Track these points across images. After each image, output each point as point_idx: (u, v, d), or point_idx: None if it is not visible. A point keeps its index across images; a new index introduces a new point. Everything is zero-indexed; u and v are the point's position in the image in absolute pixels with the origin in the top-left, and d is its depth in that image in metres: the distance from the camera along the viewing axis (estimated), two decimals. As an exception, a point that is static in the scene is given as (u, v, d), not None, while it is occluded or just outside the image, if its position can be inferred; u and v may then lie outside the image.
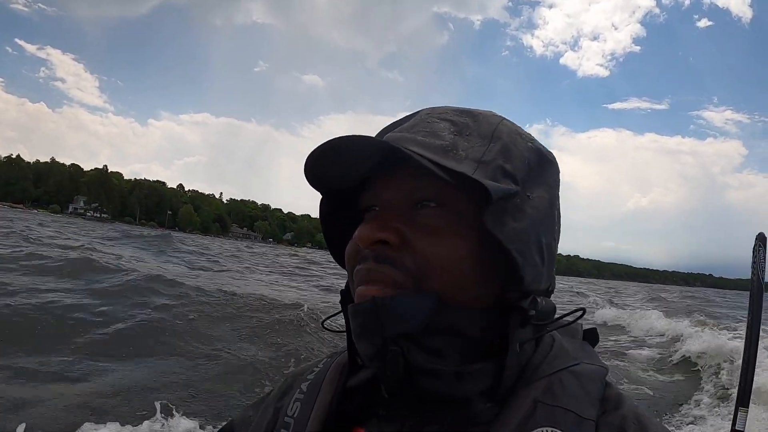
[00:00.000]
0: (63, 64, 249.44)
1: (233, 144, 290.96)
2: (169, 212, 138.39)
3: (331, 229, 0.68)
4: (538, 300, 0.57)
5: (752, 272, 1.52)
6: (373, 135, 0.62)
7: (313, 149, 0.56)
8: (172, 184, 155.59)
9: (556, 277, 0.65)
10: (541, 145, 0.63)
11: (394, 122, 0.66)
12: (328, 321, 0.74)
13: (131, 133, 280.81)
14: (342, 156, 0.57)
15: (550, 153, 0.64)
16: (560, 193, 0.65)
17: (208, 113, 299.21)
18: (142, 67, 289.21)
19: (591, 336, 0.67)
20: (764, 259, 1.52)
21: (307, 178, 0.60)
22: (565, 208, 0.66)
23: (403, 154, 0.53)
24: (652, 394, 7.18)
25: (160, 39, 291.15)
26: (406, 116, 0.65)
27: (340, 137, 0.55)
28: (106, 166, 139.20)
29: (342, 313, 0.64)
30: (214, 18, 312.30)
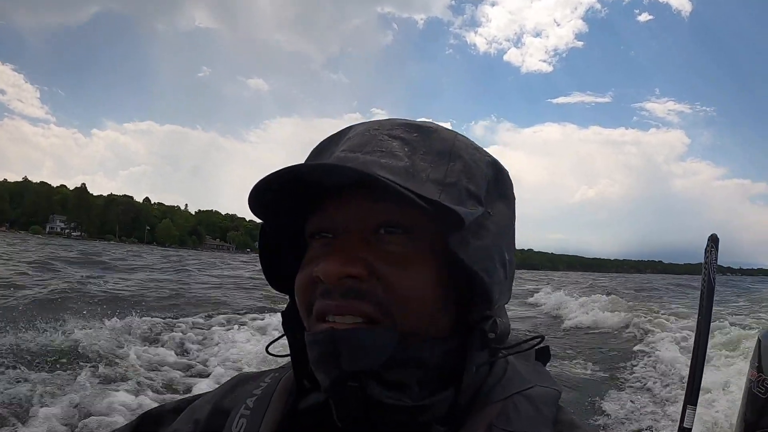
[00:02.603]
0: (2, 74, 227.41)
1: (180, 152, 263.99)
2: (147, 228, 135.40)
3: (266, 252, 0.60)
4: (498, 321, 0.54)
5: (703, 273, 1.45)
6: (315, 143, 0.60)
7: (263, 178, 0.50)
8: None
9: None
10: (494, 158, 0.59)
11: (330, 137, 0.59)
12: (272, 346, 0.67)
13: (74, 143, 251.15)
14: (300, 185, 0.52)
15: (502, 166, 0.60)
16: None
17: (153, 121, 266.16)
18: (84, 75, 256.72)
19: (543, 354, 0.64)
20: (716, 259, 1.46)
21: (252, 209, 0.54)
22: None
23: (380, 183, 0.47)
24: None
25: (101, 47, 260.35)
26: (344, 130, 0.59)
27: (299, 165, 0.50)
28: (84, 184, 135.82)
29: (285, 337, 0.60)
30: (156, 24, 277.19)
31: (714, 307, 1.58)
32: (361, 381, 0.50)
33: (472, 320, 0.53)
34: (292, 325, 0.58)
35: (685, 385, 1.71)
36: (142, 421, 0.69)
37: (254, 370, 0.72)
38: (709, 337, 1.67)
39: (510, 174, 0.61)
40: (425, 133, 0.56)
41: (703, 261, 1.43)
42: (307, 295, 0.53)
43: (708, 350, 1.65)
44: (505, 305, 0.60)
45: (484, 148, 0.60)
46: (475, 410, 0.52)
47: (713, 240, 1.43)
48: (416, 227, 0.51)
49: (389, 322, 0.50)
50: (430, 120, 0.61)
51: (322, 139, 0.60)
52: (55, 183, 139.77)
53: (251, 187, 0.51)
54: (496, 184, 0.57)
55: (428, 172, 0.52)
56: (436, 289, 0.51)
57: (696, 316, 1.60)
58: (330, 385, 0.51)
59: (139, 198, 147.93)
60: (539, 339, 0.60)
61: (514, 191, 0.61)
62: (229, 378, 0.71)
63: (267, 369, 0.69)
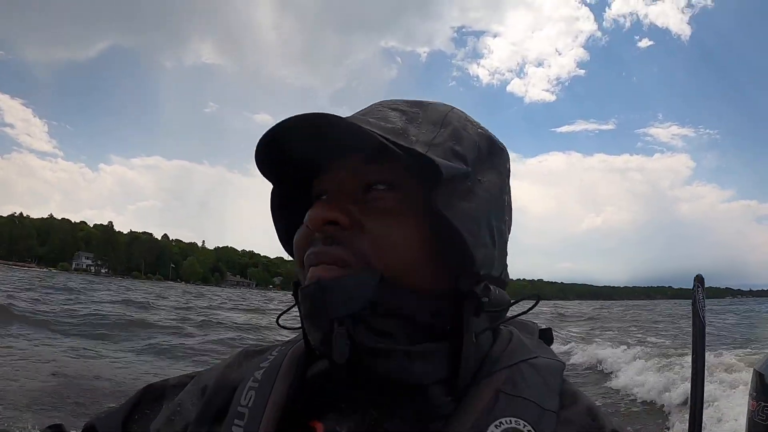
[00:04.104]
0: (11, 109, 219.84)
1: (187, 186, 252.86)
2: (172, 265, 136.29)
3: (282, 221, 0.61)
4: (491, 288, 0.54)
5: (693, 312, 1.46)
6: None
7: (264, 133, 0.52)
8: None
9: (523, 302, 0.59)
10: (491, 133, 0.60)
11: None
12: (283, 318, 0.67)
13: (82, 178, 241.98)
14: (293, 142, 0.53)
15: (501, 142, 0.61)
16: (513, 216, 0.62)
17: (160, 156, 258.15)
18: (92, 110, 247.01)
19: (546, 336, 0.64)
20: (703, 299, 1.47)
21: (258, 165, 0.56)
22: (520, 232, 0.63)
23: (357, 132, 0.49)
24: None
25: (109, 82, 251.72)
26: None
27: (288, 118, 0.50)
28: (111, 222, 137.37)
29: (296, 306, 0.58)
30: (163, 60, 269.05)
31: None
32: (348, 327, 0.49)
33: (464, 285, 0.52)
34: None
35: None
36: (144, 394, 0.67)
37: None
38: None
39: (516, 204, 0.62)
40: (423, 107, 0.58)
41: (691, 301, 1.46)
42: (300, 250, 0.55)
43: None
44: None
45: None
46: (481, 376, 0.52)
47: (699, 281, 1.46)
48: (402, 185, 0.53)
49: (366, 268, 0.50)
50: None
51: None
52: (53, 215, 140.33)
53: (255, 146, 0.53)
54: (490, 155, 0.57)
55: (419, 136, 0.53)
56: (419, 244, 0.51)
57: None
58: (320, 339, 0.50)
59: (158, 235, 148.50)
60: (536, 299, 0.58)
61: (510, 179, 0.61)
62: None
63: (271, 344, 0.68)
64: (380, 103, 0.59)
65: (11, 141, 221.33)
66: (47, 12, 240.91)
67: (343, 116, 0.54)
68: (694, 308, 1.43)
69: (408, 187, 0.53)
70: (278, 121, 0.51)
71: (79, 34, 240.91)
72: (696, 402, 1.57)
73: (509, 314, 0.58)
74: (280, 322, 0.67)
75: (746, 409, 1.95)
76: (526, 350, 0.56)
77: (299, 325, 0.57)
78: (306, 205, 0.57)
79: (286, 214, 0.61)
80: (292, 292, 0.58)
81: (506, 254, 0.59)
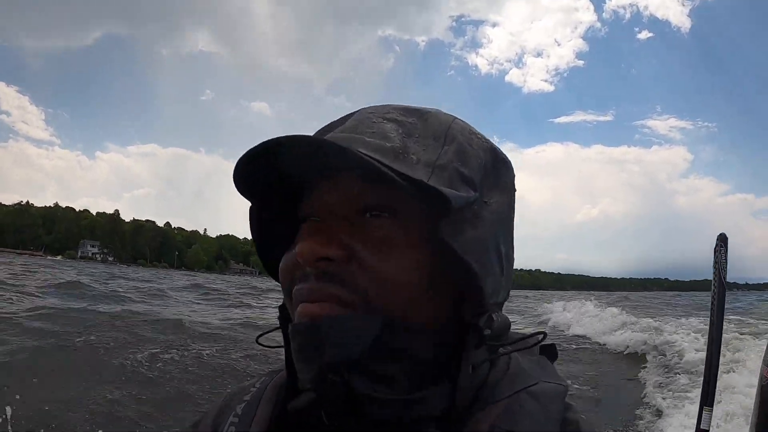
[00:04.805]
0: (7, 96, 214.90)
1: (183, 174, 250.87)
2: (177, 253, 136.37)
3: (263, 237, 0.56)
4: (494, 317, 0.49)
5: (714, 272, 1.43)
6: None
7: (245, 152, 0.46)
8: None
9: (516, 290, 0.52)
10: (495, 145, 0.54)
11: (331, 123, 0.54)
12: (264, 337, 0.61)
13: (78, 166, 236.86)
14: (278, 159, 0.47)
15: (504, 154, 0.55)
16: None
17: (156, 144, 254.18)
18: (89, 98, 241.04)
19: (549, 352, 0.57)
20: (725, 258, 1.44)
21: (236, 184, 0.50)
22: (518, 223, 0.56)
23: (353, 157, 0.43)
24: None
25: (105, 70, 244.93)
26: (344, 116, 0.54)
27: (276, 138, 0.45)
28: (117, 210, 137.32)
29: (281, 330, 0.54)
30: (160, 48, 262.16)
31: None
32: (343, 374, 0.45)
33: (466, 315, 0.48)
34: (290, 319, 0.51)
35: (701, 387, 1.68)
36: None
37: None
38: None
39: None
40: (421, 116, 0.52)
41: (712, 261, 1.42)
42: (288, 280, 0.49)
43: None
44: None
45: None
46: (477, 409, 0.48)
47: (722, 239, 1.40)
48: (404, 211, 0.47)
49: (365, 307, 0.45)
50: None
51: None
52: (58, 203, 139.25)
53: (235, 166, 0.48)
54: (495, 171, 0.52)
55: (420, 154, 0.47)
56: (423, 277, 0.46)
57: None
58: (311, 379, 0.46)
59: (160, 223, 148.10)
60: (542, 335, 0.55)
61: (515, 192, 0.56)
62: None
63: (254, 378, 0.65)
64: (373, 112, 0.52)
65: (7, 129, 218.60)
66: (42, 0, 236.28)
67: (338, 128, 0.50)
68: (715, 269, 1.39)
69: (408, 212, 0.47)
70: (260, 142, 0.45)
71: (75, 22, 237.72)
72: (711, 365, 1.55)
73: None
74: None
75: (758, 376, 1.93)
76: (525, 377, 0.51)
77: (281, 343, 0.54)
78: (287, 217, 0.53)
79: (265, 229, 0.55)
80: (278, 317, 0.54)
81: (512, 277, 0.54)
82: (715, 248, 1.44)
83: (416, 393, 0.46)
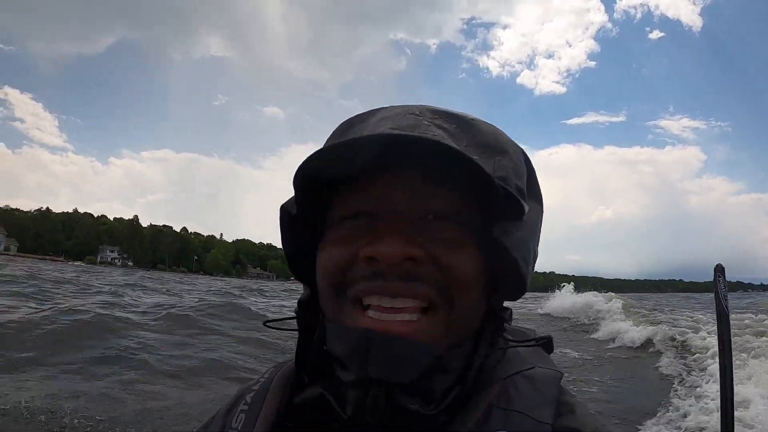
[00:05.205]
0: (21, 103, 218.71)
1: (196, 179, 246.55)
2: (196, 258, 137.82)
3: (293, 238, 0.56)
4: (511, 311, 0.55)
5: (716, 302, 1.37)
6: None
7: (321, 148, 0.48)
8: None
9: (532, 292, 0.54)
10: (525, 151, 0.57)
11: (357, 116, 0.55)
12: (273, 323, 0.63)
13: (92, 171, 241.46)
14: (354, 152, 0.47)
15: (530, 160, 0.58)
16: None
17: (169, 149, 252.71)
18: (102, 104, 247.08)
19: (545, 346, 0.59)
20: (725, 287, 1.39)
21: (302, 176, 0.49)
22: None
23: (455, 152, 0.44)
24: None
25: (118, 76, 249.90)
26: (370, 111, 0.55)
27: (379, 134, 0.46)
28: (136, 216, 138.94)
29: (296, 322, 0.57)
30: (172, 53, 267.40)
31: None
32: (387, 390, 0.47)
33: (495, 309, 0.52)
34: (307, 317, 0.56)
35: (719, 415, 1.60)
36: None
37: None
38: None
39: None
40: (465, 124, 0.53)
41: (714, 292, 1.37)
42: (339, 276, 0.50)
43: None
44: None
45: None
46: (475, 391, 0.50)
47: (719, 270, 1.38)
48: (465, 215, 0.50)
49: (447, 308, 0.48)
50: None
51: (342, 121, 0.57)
52: (77, 209, 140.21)
53: (304, 159, 0.48)
54: (531, 180, 0.56)
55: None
56: (481, 277, 0.50)
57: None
58: (353, 382, 0.48)
59: (177, 228, 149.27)
60: (547, 339, 0.57)
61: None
62: None
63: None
64: (419, 115, 0.51)
65: (22, 136, 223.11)
66: (55, 7, 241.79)
67: (387, 125, 0.50)
68: (716, 298, 1.35)
69: (469, 217, 0.50)
70: (351, 137, 0.47)
71: (87, 29, 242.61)
72: (727, 397, 1.47)
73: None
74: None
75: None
76: (521, 361, 0.53)
77: (288, 323, 0.58)
78: (311, 217, 0.54)
79: (296, 230, 0.55)
80: (294, 310, 0.56)
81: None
82: (714, 279, 1.39)
83: (442, 404, 0.49)
